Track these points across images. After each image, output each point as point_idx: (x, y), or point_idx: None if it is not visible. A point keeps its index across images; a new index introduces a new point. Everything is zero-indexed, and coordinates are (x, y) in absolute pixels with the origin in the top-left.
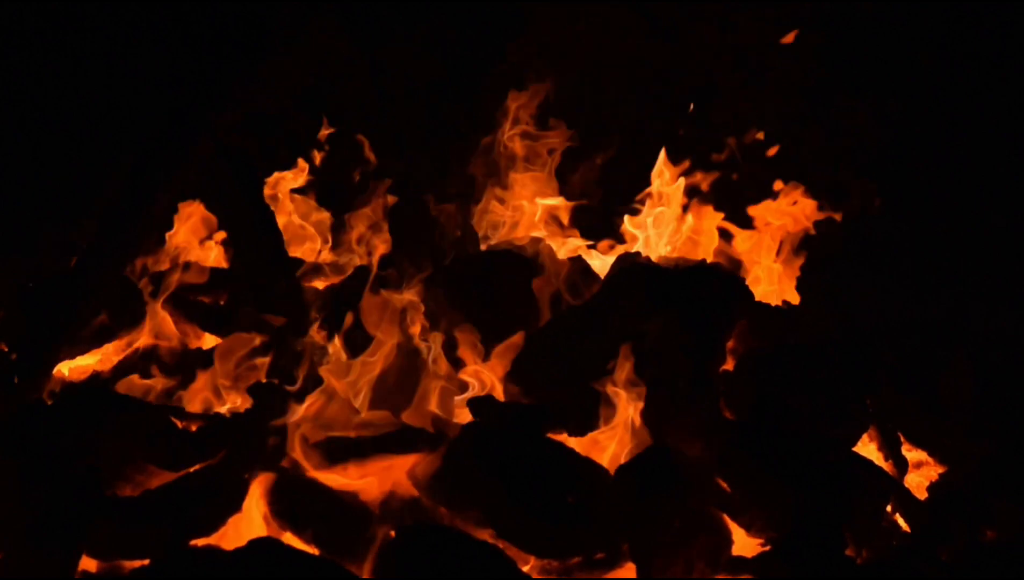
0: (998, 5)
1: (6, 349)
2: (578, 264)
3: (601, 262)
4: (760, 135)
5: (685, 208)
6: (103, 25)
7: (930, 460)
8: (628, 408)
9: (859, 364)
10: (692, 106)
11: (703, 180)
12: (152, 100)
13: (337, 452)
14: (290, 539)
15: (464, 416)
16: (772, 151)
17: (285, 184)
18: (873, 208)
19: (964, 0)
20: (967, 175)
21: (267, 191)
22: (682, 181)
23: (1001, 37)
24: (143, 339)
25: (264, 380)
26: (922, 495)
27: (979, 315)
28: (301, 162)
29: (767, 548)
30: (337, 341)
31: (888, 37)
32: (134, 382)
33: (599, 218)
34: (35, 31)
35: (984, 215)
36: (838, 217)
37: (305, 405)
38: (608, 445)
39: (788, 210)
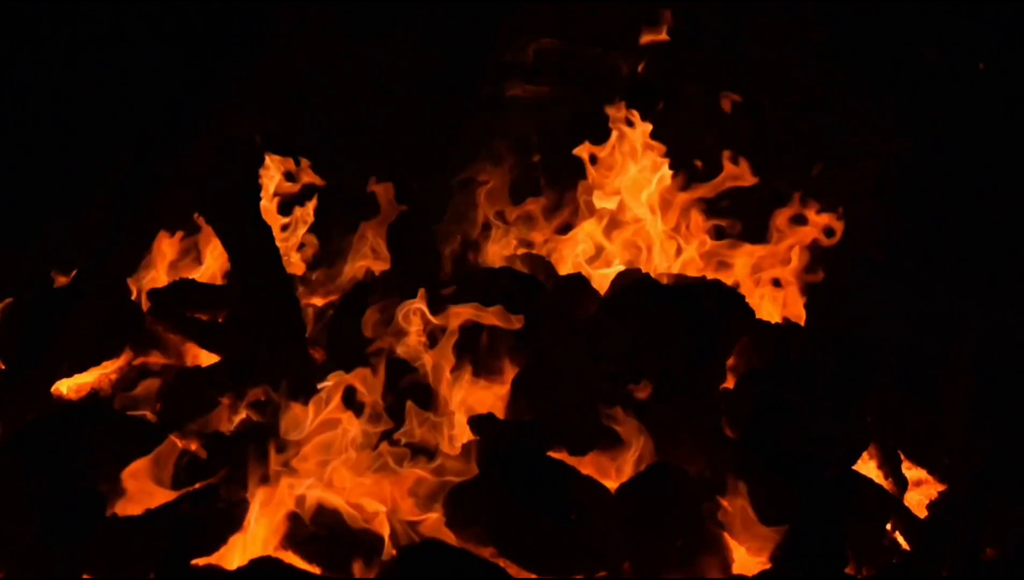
0: (998, 5)
1: (4, 366)
2: (578, 281)
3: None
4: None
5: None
6: (102, 17)
7: (930, 478)
8: (629, 426)
9: (859, 363)
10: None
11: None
12: (152, 93)
13: (339, 470)
14: (292, 558)
15: (466, 435)
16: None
17: (278, 191)
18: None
19: (964, 1)
20: (967, 173)
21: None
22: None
23: (1001, 35)
24: (141, 357)
25: (264, 398)
26: (922, 513)
27: (979, 313)
28: (295, 167)
29: (768, 566)
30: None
31: (886, 38)
32: (133, 400)
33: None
34: (33, 24)
35: (984, 214)
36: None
37: (307, 423)
38: (609, 463)
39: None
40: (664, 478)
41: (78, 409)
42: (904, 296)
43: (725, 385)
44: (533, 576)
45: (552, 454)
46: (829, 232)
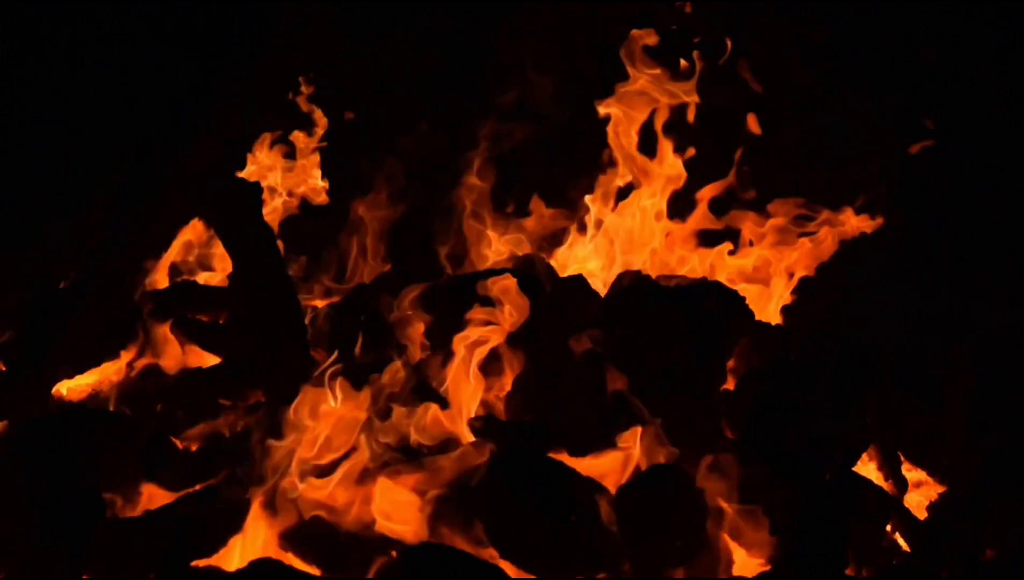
0: (998, 5)
1: (3, 367)
2: (578, 281)
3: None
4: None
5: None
6: (102, 17)
7: (930, 479)
8: (629, 428)
9: (859, 363)
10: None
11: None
12: (152, 93)
13: (340, 471)
14: (292, 558)
15: (466, 435)
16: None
17: (280, 192)
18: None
19: (964, 1)
20: (967, 173)
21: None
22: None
23: (1001, 35)
24: (142, 358)
25: (264, 399)
26: (922, 515)
27: (980, 313)
28: (297, 167)
29: (768, 567)
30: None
31: (886, 38)
32: (133, 401)
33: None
34: (33, 24)
35: (984, 214)
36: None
37: (306, 424)
38: (609, 465)
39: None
40: (664, 478)
41: (78, 409)
42: (904, 296)
43: (725, 386)
44: (533, 576)
45: (552, 454)
46: (829, 232)
